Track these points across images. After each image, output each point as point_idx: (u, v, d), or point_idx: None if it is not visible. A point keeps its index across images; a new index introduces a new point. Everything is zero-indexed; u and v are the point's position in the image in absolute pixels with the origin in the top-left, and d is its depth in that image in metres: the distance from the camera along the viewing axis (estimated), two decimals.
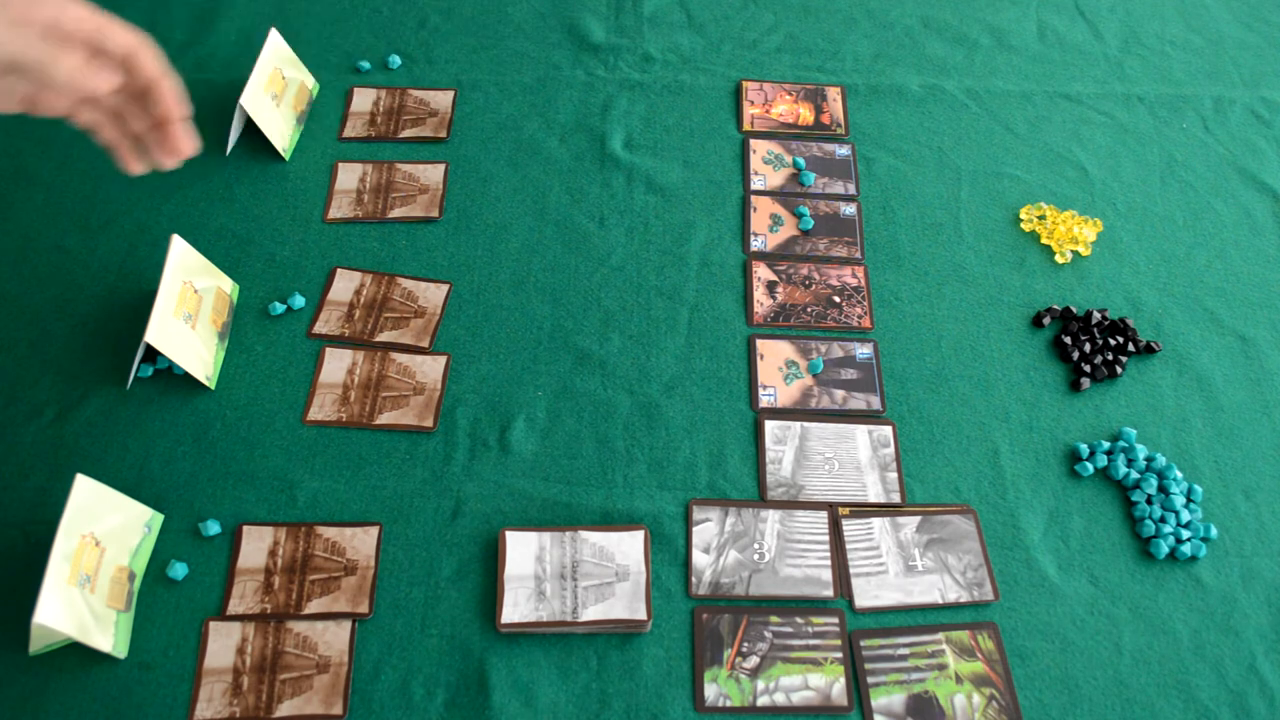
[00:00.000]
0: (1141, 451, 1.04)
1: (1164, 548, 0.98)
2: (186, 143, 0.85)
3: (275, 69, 1.25)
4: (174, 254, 1.03)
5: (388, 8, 1.42)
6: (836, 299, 1.15)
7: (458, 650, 0.91)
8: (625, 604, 0.92)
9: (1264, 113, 1.36)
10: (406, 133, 1.28)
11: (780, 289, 1.16)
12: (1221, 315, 1.17)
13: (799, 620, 0.94)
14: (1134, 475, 1.03)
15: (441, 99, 1.31)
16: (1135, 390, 1.11)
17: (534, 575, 0.93)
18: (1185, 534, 0.99)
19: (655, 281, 1.16)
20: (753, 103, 1.33)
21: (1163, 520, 1.00)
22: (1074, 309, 1.15)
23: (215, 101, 1.29)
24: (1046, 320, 1.14)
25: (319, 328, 1.10)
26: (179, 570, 0.93)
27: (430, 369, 1.07)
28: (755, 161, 1.27)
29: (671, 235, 1.20)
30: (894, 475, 1.03)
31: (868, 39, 1.42)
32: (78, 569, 0.86)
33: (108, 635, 0.87)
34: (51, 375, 1.05)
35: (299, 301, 1.11)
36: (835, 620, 0.94)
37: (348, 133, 1.28)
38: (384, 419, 1.03)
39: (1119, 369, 1.10)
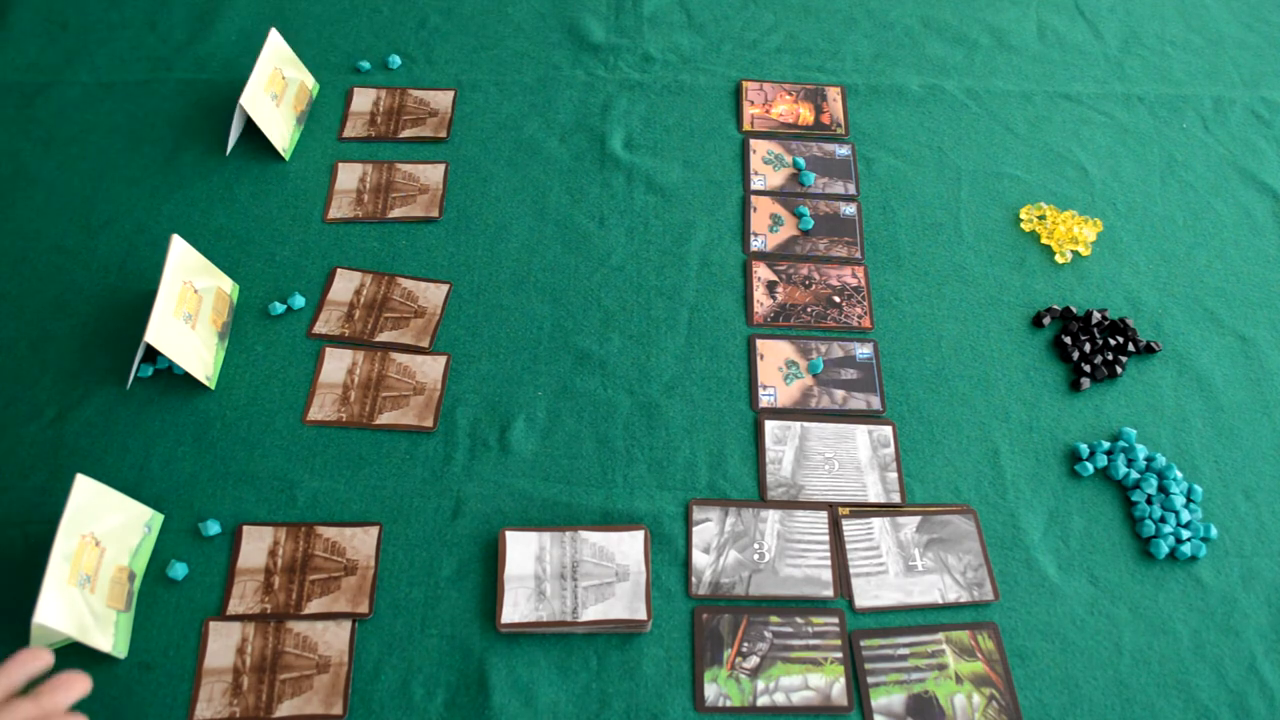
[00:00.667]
0: (1141, 451, 1.04)
1: (1164, 548, 0.98)
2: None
3: (275, 69, 1.25)
4: (174, 254, 1.03)
5: (388, 8, 1.42)
6: (836, 299, 1.15)
7: (458, 650, 0.91)
8: (625, 604, 0.92)
9: (1264, 113, 1.36)
10: (406, 133, 1.28)
11: (780, 289, 1.16)
12: (1221, 315, 1.17)
13: (799, 620, 0.94)
14: (1134, 475, 1.03)
15: (441, 99, 1.31)
16: (1135, 390, 1.11)
17: (534, 575, 0.93)
18: (1185, 534, 0.99)
19: (655, 281, 1.16)
20: (753, 103, 1.33)
21: (1163, 520, 1.00)
22: (1074, 309, 1.15)
23: (215, 101, 1.29)
24: (1046, 320, 1.14)
25: (319, 328, 1.10)
26: (179, 570, 0.93)
27: (430, 369, 1.07)
28: (755, 161, 1.27)
29: (671, 235, 1.20)
30: (894, 475, 1.03)
31: (868, 39, 1.42)
32: (78, 569, 0.86)
33: (108, 635, 0.87)
34: (51, 375, 1.05)
35: (299, 301, 1.11)
36: (835, 620, 0.94)
37: (348, 133, 1.28)
38: (384, 419, 1.03)
39: (1119, 369, 1.10)
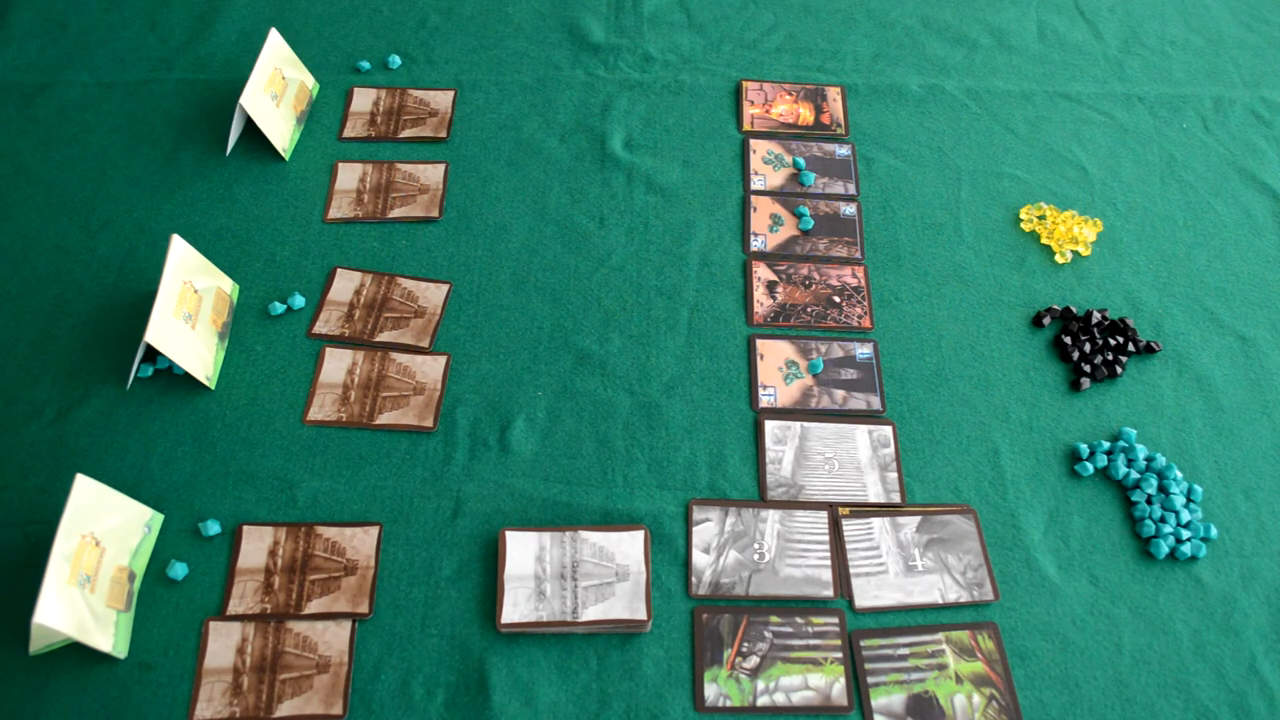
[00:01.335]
0: (1141, 451, 1.04)
1: (1164, 548, 0.98)
2: None
3: (275, 69, 1.25)
4: (174, 254, 1.03)
5: (388, 8, 1.42)
6: (836, 299, 1.15)
7: (458, 650, 0.91)
8: (625, 604, 0.92)
9: (1264, 113, 1.36)
10: (406, 133, 1.28)
11: (780, 289, 1.16)
12: (1221, 315, 1.17)
13: (799, 620, 0.94)
14: (1134, 475, 1.03)
15: (441, 99, 1.31)
16: (1135, 390, 1.11)
17: (534, 575, 0.93)
18: (1185, 534, 0.99)
19: (655, 281, 1.16)
20: (753, 103, 1.33)
21: (1163, 520, 1.00)
22: (1074, 309, 1.15)
23: (215, 101, 1.29)
24: (1046, 320, 1.14)
25: (319, 328, 1.10)
26: (179, 570, 0.93)
27: (430, 369, 1.07)
28: (755, 161, 1.27)
29: (671, 235, 1.20)
30: (894, 475, 1.03)
31: (868, 39, 1.42)
32: (78, 569, 0.86)
33: (108, 635, 0.87)
34: (51, 375, 1.05)
35: (299, 301, 1.11)
36: (835, 620, 0.94)
37: (348, 133, 1.28)
38: (384, 419, 1.03)
39: (1119, 369, 1.10)
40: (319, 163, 1.25)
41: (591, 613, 0.91)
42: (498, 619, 0.91)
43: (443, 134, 1.28)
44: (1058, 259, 1.20)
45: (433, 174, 1.24)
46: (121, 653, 0.88)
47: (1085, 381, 1.09)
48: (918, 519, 1.00)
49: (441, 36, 1.39)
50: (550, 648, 0.91)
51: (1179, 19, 1.48)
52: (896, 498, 1.01)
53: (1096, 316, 1.14)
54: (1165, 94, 1.38)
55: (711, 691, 0.89)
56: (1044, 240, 1.22)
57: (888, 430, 1.06)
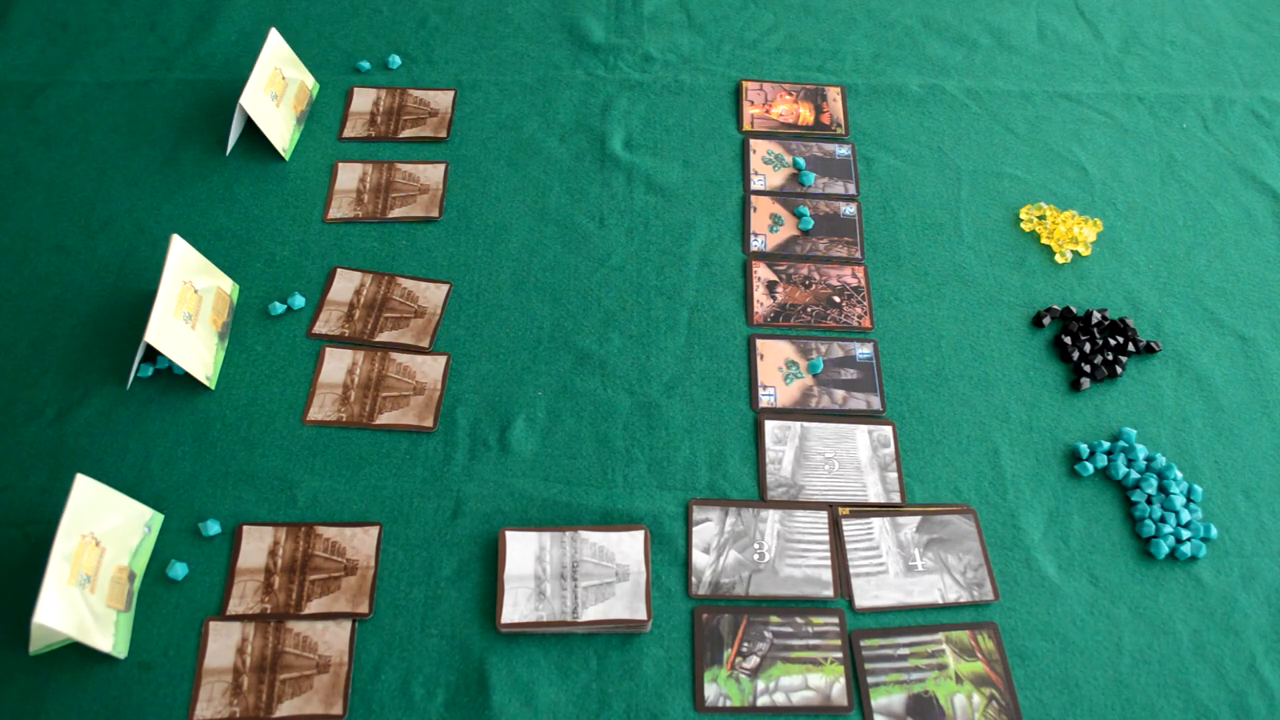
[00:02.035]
0: (1141, 451, 1.04)
1: (1164, 548, 0.98)
2: None
3: (275, 69, 1.25)
4: (174, 254, 1.03)
5: (388, 8, 1.42)
6: (836, 299, 1.15)
7: (458, 650, 0.91)
8: (625, 604, 0.92)
9: (1264, 113, 1.36)
10: (406, 133, 1.28)
11: (780, 289, 1.16)
12: (1221, 315, 1.17)
13: (799, 620, 0.94)
14: (1134, 475, 1.03)
15: (441, 99, 1.31)
16: (1135, 390, 1.11)
17: (534, 575, 0.93)
18: (1185, 534, 0.99)
19: (655, 281, 1.16)
20: (753, 103, 1.33)
21: (1163, 520, 1.00)
22: (1074, 309, 1.15)
23: (215, 101, 1.29)
24: (1046, 320, 1.14)
25: (319, 328, 1.10)
26: (179, 570, 0.93)
27: (430, 369, 1.07)
28: (755, 161, 1.27)
29: (671, 235, 1.20)
30: (894, 475, 1.03)
31: (868, 39, 1.42)
32: (78, 569, 0.86)
33: (108, 635, 0.87)
34: (51, 375, 1.05)
35: (299, 301, 1.11)
36: (835, 620, 0.94)
37: (348, 133, 1.28)
38: (384, 419, 1.03)
39: (1119, 369, 1.10)
40: (319, 163, 1.25)
41: (591, 613, 0.91)
42: (498, 619, 0.91)
43: (443, 134, 1.28)
44: (1058, 259, 1.20)
45: (433, 174, 1.24)
46: (121, 653, 0.88)
47: (1085, 381, 1.09)
48: (918, 519, 1.00)
49: (441, 36, 1.39)
50: (550, 648, 0.91)
51: (1179, 19, 1.48)
52: (896, 498, 1.01)
53: (1096, 316, 1.14)
54: (1165, 94, 1.38)
55: (711, 691, 0.89)
56: (1044, 240, 1.22)
57: (888, 430, 1.06)
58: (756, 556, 0.97)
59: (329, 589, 0.93)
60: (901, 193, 1.26)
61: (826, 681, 0.90)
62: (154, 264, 1.05)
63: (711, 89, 1.35)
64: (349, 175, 1.23)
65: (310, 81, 1.32)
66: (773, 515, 1.00)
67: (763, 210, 1.23)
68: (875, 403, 1.08)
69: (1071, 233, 1.21)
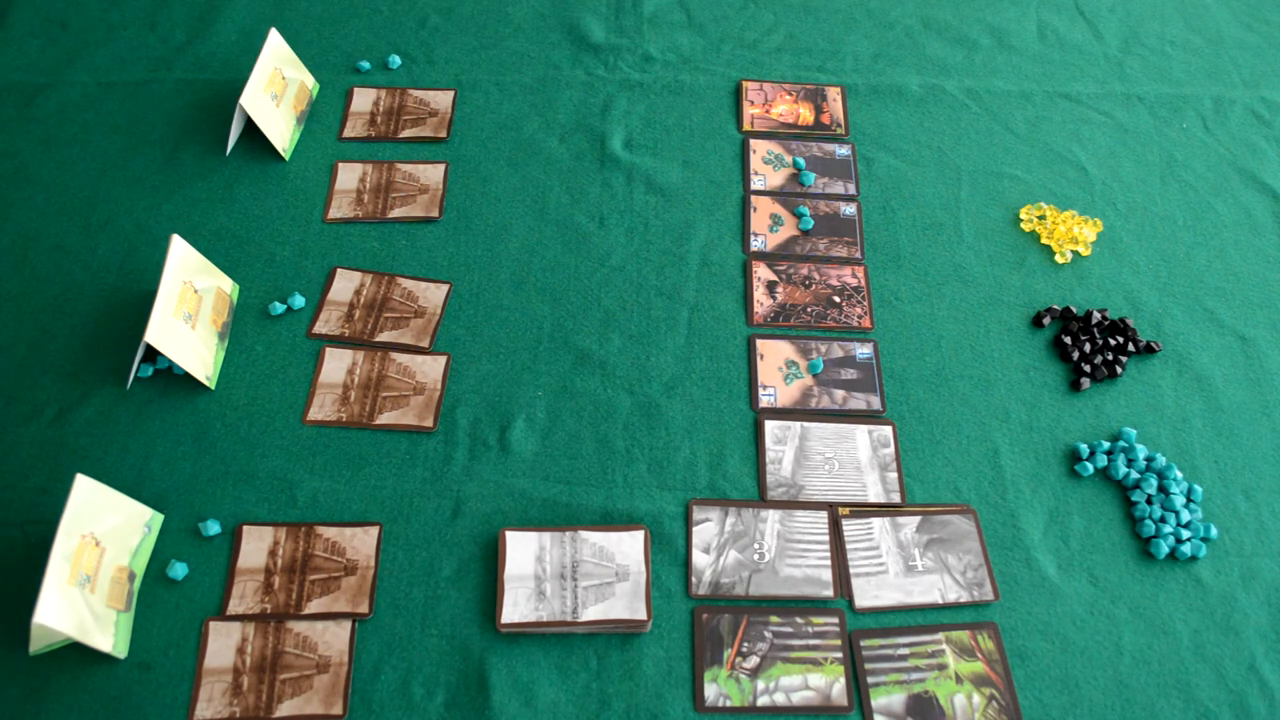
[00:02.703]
0: (1141, 451, 1.04)
1: (1164, 548, 0.98)
2: None
3: (275, 69, 1.25)
4: (174, 254, 1.03)
5: (388, 8, 1.42)
6: (836, 299, 1.15)
7: (458, 650, 0.91)
8: (625, 604, 0.92)
9: (1264, 113, 1.36)
10: (406, 133, 1.28)
11: (780, 289, 1.16)
12: (1221, 315, 1.17)
13: (799, 620, 0.94)
14: (1134, 475, 1.03)
15: (441, 99, 1.31)
16: (1135, 390, 1.11)
17: (534, 575, 0.93)
18: (1185, 534, 0.99)
19: (655, 281, 1.16)
20: (753, 103, 1.33)
21: (1163, 520, 1.00)
22: (1074, 309, 1.15)
23: (215, 101, 1.29)
24: (1046, 320, 1.14)
25: (319, 328, 1.10)
26: (179, 570, 0.93)
27: (430, 369, 1.07)
28: (755, 161, 1.27)
29: (671, 235, 1.20)
30: (894, 475, 1.03)
31: (868, 39, 1.42)
32: (78, 569, 0.86)
33: (108, 635, 0.87)
34: (51, 375, 1.05)
35: (299, 301, 1.11)
36: (835, 620, 0.94)
37: (348, 133, 1.28)
38: (384, 419, 1.03)
39: (1119, 369, 1.10)
40: (319, 163, 1.25)
41: (591, 613, 0.91)
42: (498, 619, 0.91)
43: (443, 134, 1.28)
44: (1058, 259, 1.20)
45: (433, 174, 1.24)
46: (121, 653, 0.88)
47: (1085, 381, 1.09)
48: (918, 519, 1.00)
49: (441, 36, 1.39)
50: (550, 648, 0.91)
51: (1179, 19, 1.48)
52: (896, 498, 1.01)
53: (1096, 316, 1.14)
54: (1165, 94, 1.38)
55: (711, 691, 0.89)
56: (1044, 240, 1.22)
57: (888, 430, 1.06)
58: (756, 556, 0.97)
59: (329, 589, 0.93)
60: (901, 193, 1.26)
61: (826, 681, 0.90)
62: (154, 264, 1.05)
63: (711, 89, 1.35)
64: (349, 175, 1.23)
65: (310, 81, 1.32)
66: (773, 515, 1.00)
67: (763, 210, 1.23)
68: (875, 403, 1.08)
69: (1071, 233, 1.21)
